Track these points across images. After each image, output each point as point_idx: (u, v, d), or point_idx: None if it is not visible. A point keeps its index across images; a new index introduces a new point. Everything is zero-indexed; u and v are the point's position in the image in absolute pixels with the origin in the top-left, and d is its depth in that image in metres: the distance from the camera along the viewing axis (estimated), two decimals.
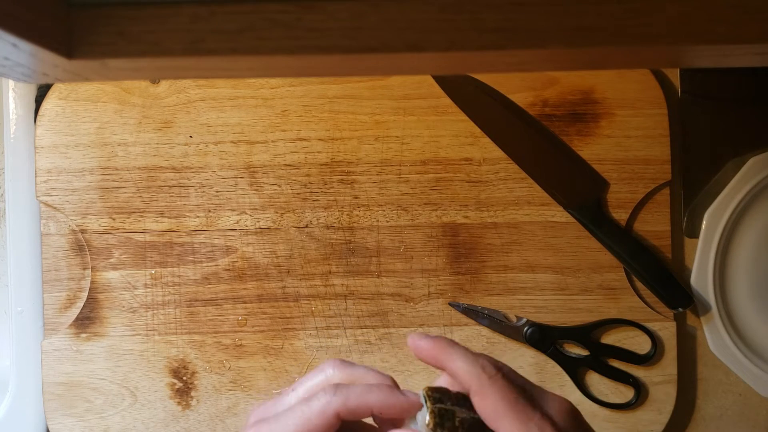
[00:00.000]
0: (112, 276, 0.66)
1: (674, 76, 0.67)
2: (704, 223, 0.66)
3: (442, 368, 0.39)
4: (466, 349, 0.39)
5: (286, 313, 0.66)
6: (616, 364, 0.66)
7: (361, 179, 0.66)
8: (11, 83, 0.67)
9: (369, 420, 0.40)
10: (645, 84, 0.66)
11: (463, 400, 0.39)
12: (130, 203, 0.66)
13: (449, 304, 0.66)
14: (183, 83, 0.66)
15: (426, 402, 0.38)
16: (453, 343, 0.39)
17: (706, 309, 0.66)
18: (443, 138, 0.66)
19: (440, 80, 0.66)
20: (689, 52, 0.32)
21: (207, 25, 0.30)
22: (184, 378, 0.65)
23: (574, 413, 0.39)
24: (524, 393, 0.38)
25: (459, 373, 0.38)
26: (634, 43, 0.30)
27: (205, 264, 0.66)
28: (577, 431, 0.38)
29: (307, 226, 0.66)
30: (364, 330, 0.66)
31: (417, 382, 0.65)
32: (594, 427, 0.67)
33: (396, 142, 0.66)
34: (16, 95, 0.67)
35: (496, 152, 0.66)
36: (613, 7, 0.30)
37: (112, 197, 0.66)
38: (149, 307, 0.66)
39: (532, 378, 0.66)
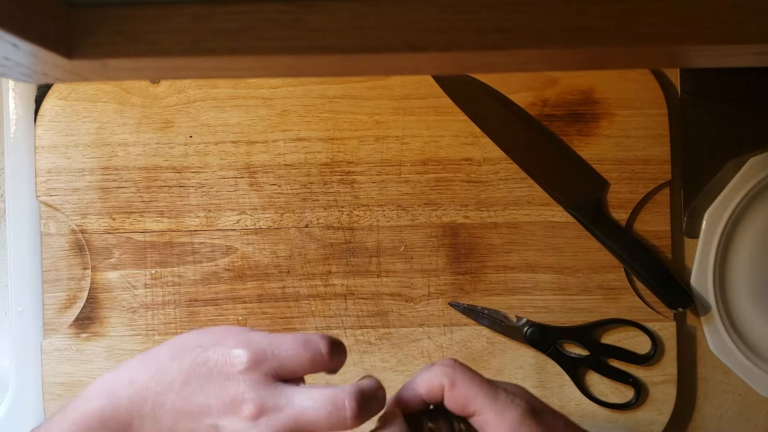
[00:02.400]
0: (112, 276, 0.66)
1: (674, 76, 0.67)
2: (704, 223, 0.66)
3: (415, 400, 0.41)
4: (424, 367, 0.42)
5: (286, 313, 0.66)
6: (616, 364, 0.66)
7: (361, 179, 0.66)
8: (11, 83, 0.67)
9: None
10: (645, 84, 0.66)
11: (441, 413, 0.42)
12: (130, 203, 0.66)
13: (449, 304, 0.66)
14: (183, 83, 0.66)
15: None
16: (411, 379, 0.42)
17: (706, 309, 0.66)
18: (443, 138, 0.66)
19: (440, 80, 0.66)
20: (689, 52, 0.32)
21: (207, 25, 0.30)
22: None
23: (526, 390, 0.43)
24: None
25: (428, 384, 0.41)
26: (634, 43, 0.30)
27: (205, 264, 0.66)
28: (535, 401, 0.42)
29: (307, 226, 0.66)
30: (364, 330, 0.66)
31: None
32: (594, 428, 0.68)
33: (396, 142, 0.66)
34: (16, 95, 0.67)
35: (496, 152, 0.66)
36: (613, 7, 0.30)
37: (112, 197, 0.66)
38: (149, 307, 0.66)
39: (533, 378, 0.66)
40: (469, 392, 0.40)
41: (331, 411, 0.36)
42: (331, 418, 0.36)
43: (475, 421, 0.41)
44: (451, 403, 0.41)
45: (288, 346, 0.39)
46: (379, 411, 0.40)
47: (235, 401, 0.37)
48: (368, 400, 0.38)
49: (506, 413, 0.39)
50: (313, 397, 0.37)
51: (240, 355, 0.38)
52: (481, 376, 0.41)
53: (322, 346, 0.39)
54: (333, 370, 0.41)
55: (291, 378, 0.39)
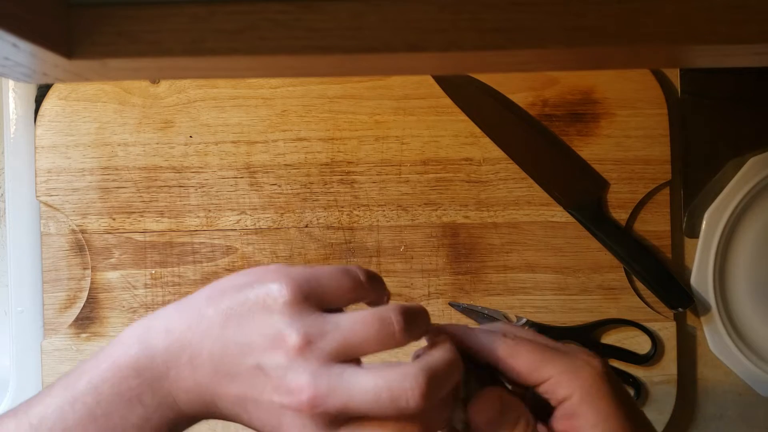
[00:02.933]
0: (112, 276, 0.66)
1: (674, 76, 0.67)
2: (704, 223, 0.66)
3: (466, 347, 0.40)
4: (483, 328, 0.41)
5: None
6: (616, 364, 0.66)
7: (361, 179, 0.66)
8: (11, 83, 0.67)
9: None
10: (645, 84, 0.66)
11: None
12: (130, 203, 0.66)
13: (449, 304, 0.66)
14: (183, 83, 0.66)
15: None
16: (468, 327, 0.41)
17: (706, 309, 0.66)
18: (443, 138, 0.66)
19: (440, 80, 0.66)
20: (689, 52, 0.32)
21: (207, 25, 0.30)
22: None
23: (604, 360, 0.40)
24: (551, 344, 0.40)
25: (484, 348, 0.40)
26: (634, 43, 0.30)
27: (205, 264, 0.66)
28: (606, 364, 0.40)
29: (307, 226, 0.66)
30: None
31: None
32: None
33: (396, 142, 0.66)
34: (16, 95, 0.67)
35: (496, 152, 0.66)
36: (613, 7, 0.30)
37: (112, 197, 0.66)
38: (149, 307, 0.66)
39: None
40: (533, 363, 0.39)
41: (379, 327, 0.35)
42: (380, 334, 0.35)
43: (542, 388, 0.39)
44: (512, 371, 0.39)
45: (329, 275, 0.37)
46: (425, 330, 0.38)
47: (278, 335, 0.35)
48: (413, 315, 0.37)
49: (579, 373, 0.38)
50: (359, 318, 0.36)
51: (281, 288, 0.36)
52: (543, 345, 0.40)
53: (361, 275, 0.38)
54: (376, 301, 0.40)
55: (333, 308, 0.38)
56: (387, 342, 0.35)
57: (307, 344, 0.35)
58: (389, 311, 0.36)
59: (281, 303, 0.36)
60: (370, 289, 0.39)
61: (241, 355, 0.36)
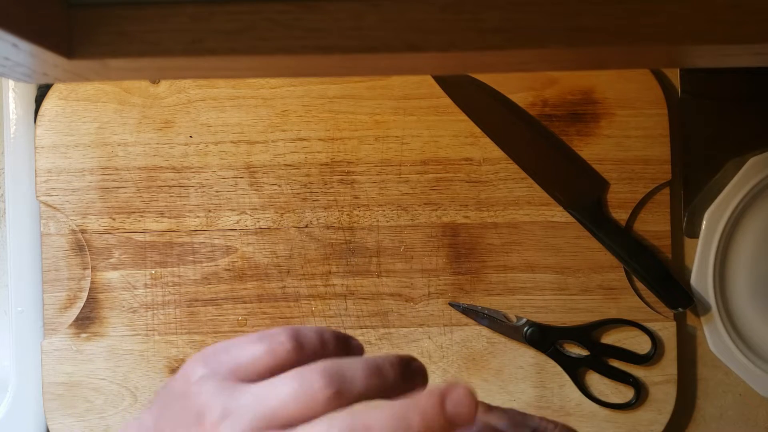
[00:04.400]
0: (112, 276, 0.66)
1: (674, 76, 0.67)
2: (704, 223, 0.66)
3: None
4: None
5: (286, 313, 0.66)
6: (616, 364, 0.66)
7: (361, 179, 0.66)
8: (11, 83, 0.67)
9: None
10: (645, 84, 0.66)
11: None
12: (130, 203, 0.66)
13: (449, 304, 0.66)
14: (183, 83, 0.66)
15: None
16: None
17: (706, 309, 0.66)
18: (443, 138, 0.66)
19: (440, 80, 0.66)
20: (689, 52, 0.32)
21: (207, 25, 0.30)
22: None
23: None
24: None
25: None
26: (634, 43, 0.30)
27: (205, 264, 0.66)
28: None
29: (307, 226, 0.66)
30: (364, 330, 0.66)
31: None
32: (594, 428, 0.67)
33: (396, 142, 0.66)
34: (16, 95, 0.67)
35: (496, 152, 0.66)
36: (613, 7, 0.30)
37: (112, 197, 0.66)
38: (149, 307, 0.66)
39: (533, 378, 0.66)
40: None
41: (293, 389, 0.31)
42: (296, 397, 0.31)
43: None
44: None
45: (241, 342, 0.34)
46: (387, 389, 0.32)
47: (198, 415, 0.33)
48: (349, 375, 0.31)
49: None
50: (276, 380, 0.32)
51: (194, 367, 0.34)
52: None
53: (284, 336, 0.33)
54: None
55: (258, 378, 0.34)
56: (309, 407, 0.31)
57: (223, 419, 0.32)
58: (311, 370, 0.31)
59: (194, 381, 0.33)
60: (295, 350, 0.33)
61: None
